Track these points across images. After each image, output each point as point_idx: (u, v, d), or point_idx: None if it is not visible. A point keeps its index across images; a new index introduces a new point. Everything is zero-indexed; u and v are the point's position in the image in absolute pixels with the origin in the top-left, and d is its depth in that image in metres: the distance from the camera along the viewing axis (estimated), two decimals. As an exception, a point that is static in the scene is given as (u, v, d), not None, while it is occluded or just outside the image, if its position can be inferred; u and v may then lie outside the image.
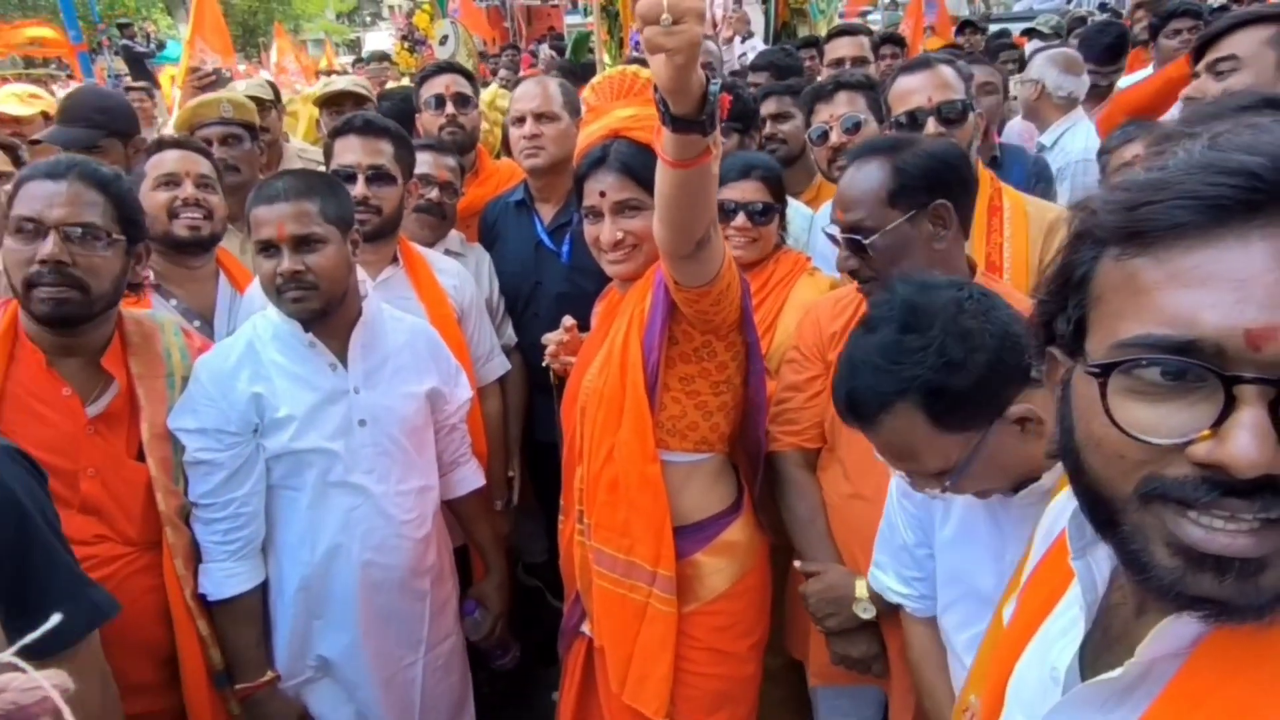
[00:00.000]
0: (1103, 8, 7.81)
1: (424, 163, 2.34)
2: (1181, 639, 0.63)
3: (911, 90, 2.08)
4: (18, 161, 2.53)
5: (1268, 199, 0.53)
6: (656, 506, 1.63)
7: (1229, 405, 0.53)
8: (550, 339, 1.96)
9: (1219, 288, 0.54)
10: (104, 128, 2.66)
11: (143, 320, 1.70)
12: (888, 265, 1.52)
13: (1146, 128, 2.11)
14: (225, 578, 1.67)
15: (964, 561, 1.29)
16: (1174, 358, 0.55)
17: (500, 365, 2.42)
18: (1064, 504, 0.92)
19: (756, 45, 5.39)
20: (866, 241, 1.52)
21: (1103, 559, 0.75)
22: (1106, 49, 3.89)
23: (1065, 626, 0.79)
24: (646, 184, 1.55)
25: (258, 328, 1.72)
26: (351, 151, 2.08)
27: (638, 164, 1.61)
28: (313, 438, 1.68)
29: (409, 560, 1.81)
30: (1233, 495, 0.53)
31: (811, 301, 2.03)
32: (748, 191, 2.03)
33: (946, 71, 2.07)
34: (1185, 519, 0.56)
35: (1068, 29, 5.79)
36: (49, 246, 1.47)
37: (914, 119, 2.03)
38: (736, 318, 1.58)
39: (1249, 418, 0.52)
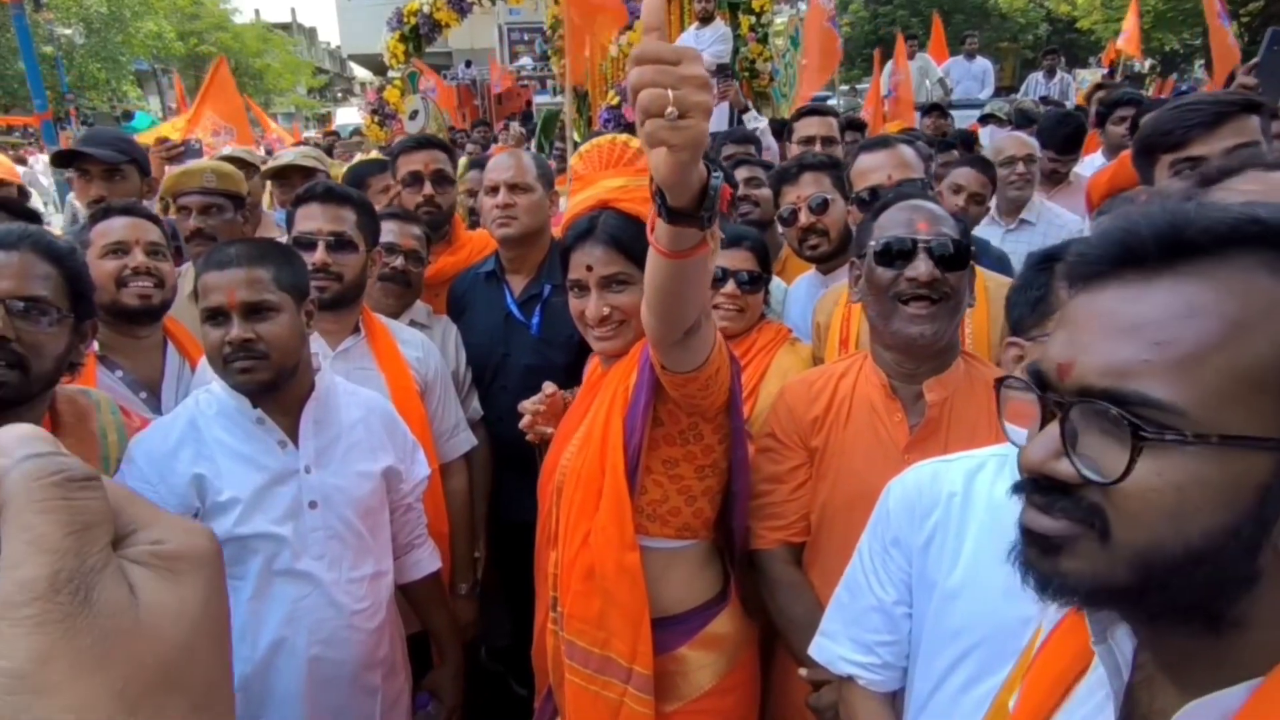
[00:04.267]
0: (1044, 100, 8.24)
1: (389, 231, 2.30)
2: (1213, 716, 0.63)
3: (873, 168, 2.12)
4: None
5: (1115, 261, 0.64)
6: (634, 598, 1.52)
7: (1044, 420, 0.66)
8: (527, 406, 1.86)
9: (1068, 328, 0.67)
10: (127, 154, 2.75)
11: (76, 398, 1.58)
12: (961, 294, 1.50)
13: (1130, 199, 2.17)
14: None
15: (975, 608, 1.19)
16: (1024, 380, 0.69)
17: (466, 440, 2.32)
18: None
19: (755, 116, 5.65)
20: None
21: (1124, 639, 0.73)
22: (1065, 139, 4.09)
23: (1090, 714, 0.75)
24: (635, 257, 1.50)
25: (201, 403, 1.61)
26: (313, 218, 2.03)
27: (627, 236, 1.56)
28: (259, 522, 1.56)
29: (360, 653, 1.67)
30: (1036, 490, 0.67)
31: (786, 371, 2.00)
32: (737, 260, 2.02)
33: (906, 151, 2.11)
34: (1025, 508, 0.68)
35: (1016, 119, 6.07)
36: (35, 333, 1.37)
37: (875, 195, 2.04)
38: (725, 400, 1.50)
39: (1047, 429, 0.65)
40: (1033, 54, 20.58)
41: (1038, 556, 0.66)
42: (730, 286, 2.01)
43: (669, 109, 0.91)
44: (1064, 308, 0.70)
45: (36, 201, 4.76)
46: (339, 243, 2.01)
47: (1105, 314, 0.63)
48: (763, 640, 1.79)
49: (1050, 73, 9.65)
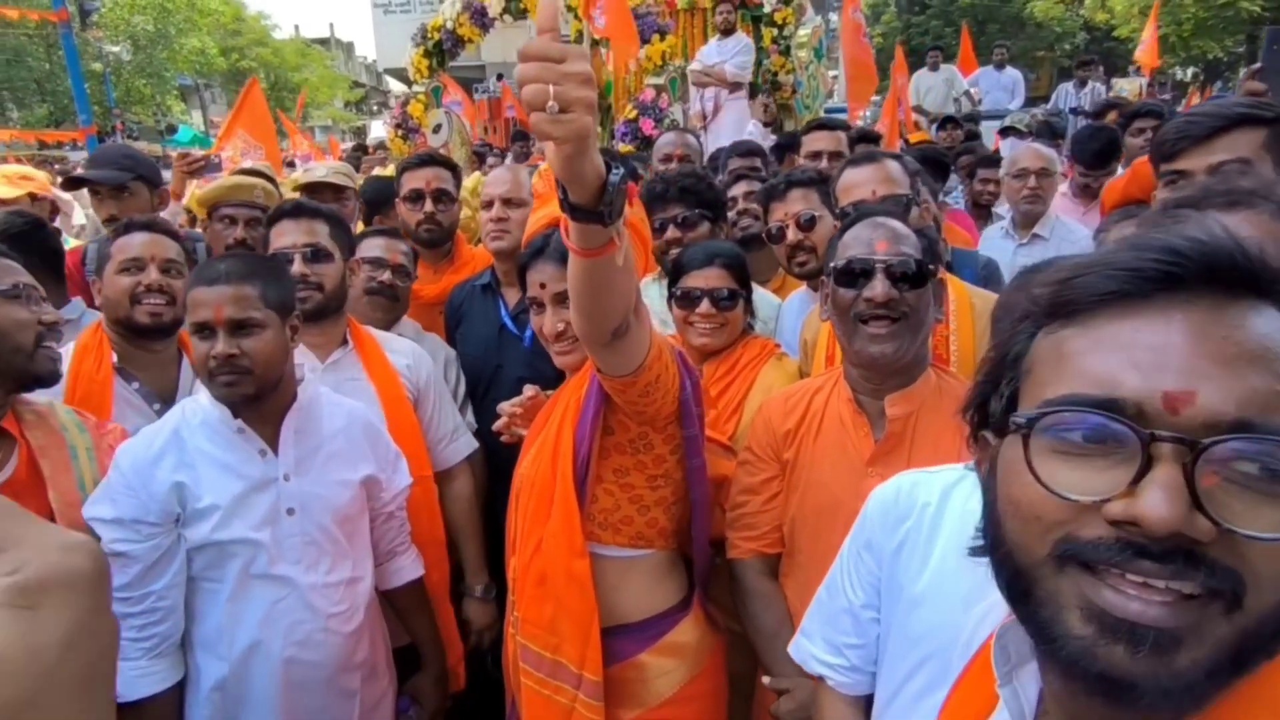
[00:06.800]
0: (1074, 112, 8.12)
1: (376, 246, 2.36)
2: None
3: (857, 183, 2.12)
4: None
5: (1186, 274, 0.56)
6: (584, 605, 1.55)
7: (1146, 466, 0.53)
8: (505, 407, 1.89)
9: (1140, 354, 0.56)
10: (133, 171, 2.86)
11: (33, 401, 1.67)
12: (922, 311, 1.50)
13: (1141, 211, 2.14)
14: (138, 677, 1.57)
15: (936, 617, 1.17)
16: (1097, 413, 0.55)
17: (467, 445, 2.36)
18: (981, 615, 0.87)
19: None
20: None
21: (1029, 682, 0.72)
22: (1095, 154, 4.00)
23: None
24: None
25: (186, 413, 1.68)
26: (287, 234, 2.09)
27: None
28: (237, 527, 1.62)
29: (336, 656, 1.72)
30: (1146, 557, 0.53)
31: (770, 386, 2.01)
32: (711, 279, 2.04)
33: (892, 166, 2.11)
34: (1100, 583, 0.55)
35: (1039, 132, 5.98)
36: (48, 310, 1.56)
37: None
38: (673, 410, 1.53)
39: (1164, 476, 0.53)
40: (1069, 63, 20.26)
41: (1142, 659, 0.53)
42: (705, 305, 2.02)
43: (550, 103, 0.95)
44: (1099, 328, 0.59)
45: (79, 214, 4.97)
46: (315, 253, 2.06)
47: (1204, 337, 0.55)
48: (749, 651, 1.79)
49: (1081, 83, 9.50)
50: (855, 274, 1.51)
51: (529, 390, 1.90)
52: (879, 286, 1.47)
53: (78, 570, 0.35)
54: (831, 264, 1.56)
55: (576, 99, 0.95)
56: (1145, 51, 9.46)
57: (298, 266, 2.01)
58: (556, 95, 0.94)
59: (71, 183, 3.19)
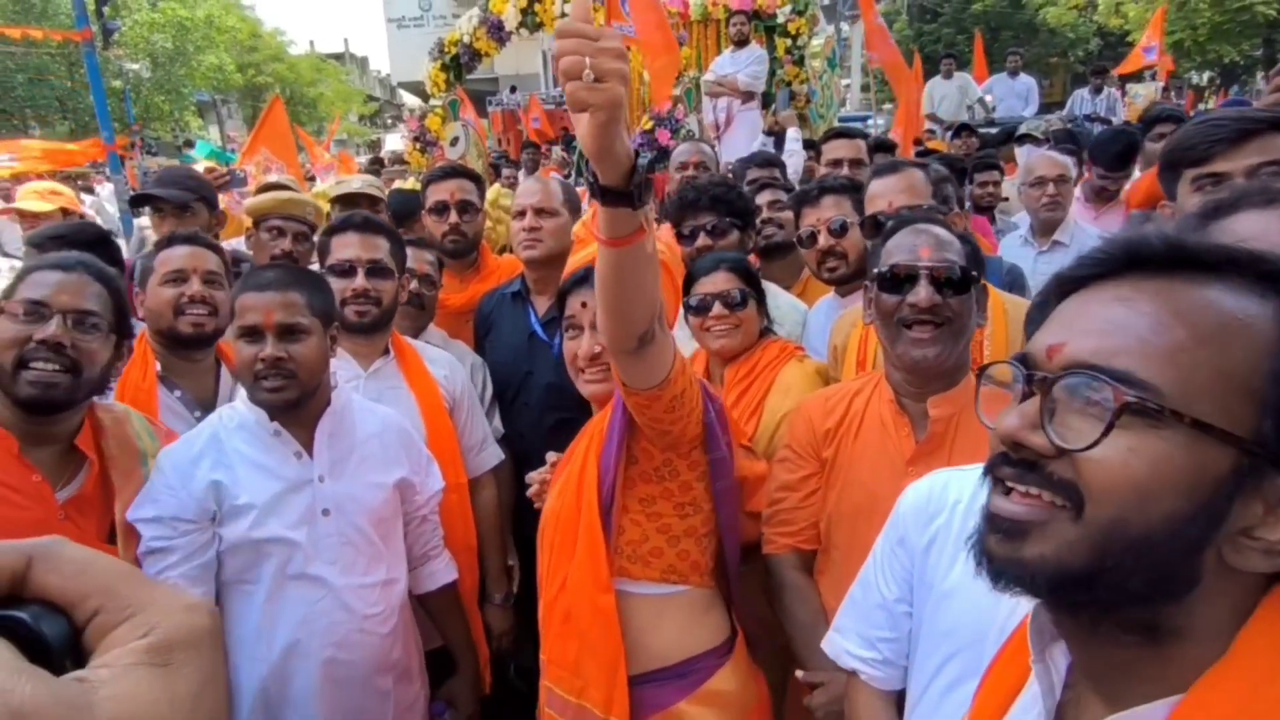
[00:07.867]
0: (1089, 118, 8.11)
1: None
2: None
3: (879, 193, 2.17)
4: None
5: (1111, 260, 0.69)
6: (609, 643, 1.48)
7: (1025, 399, 0.68)
8: (534, 477, 1.87)
9: (1059, 320, 0.70)
10: (195, 192, 2.99)
11: (111, 407, 1.71)
12: (965, 317, 1.52)
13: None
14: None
15: (966, 610, 1.19)
16: (1009, 362, 0.71)
17: (494, 455, 2.39)
18: (1016, 602, 0.88)
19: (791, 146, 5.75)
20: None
21: (1060, 657, 0.75)
22: (1115, 157, 3.99)
23: None
24: None
25: (223, 417, 1.72)
26: (351, 247, 2.12)
27: None
28: (273, 526, 1.65)
29: (372, 656, 1.74)
30: (1006, 464, 0.69)
31: (789, 386, 2.02)
32: (719, 283, 2.07)
33: (915, 176, 2.13)
34: (996, 492, 0.70)
35: (1057, 136, 5.96)
36: (51, 328, 1.51)
37: (875, 221, 2.10)
38: (698, 433, 1.50)
39: (1026, 404, 0.67)
40: (1083, 69, 20.18)
41: (999, 542, 0.68)
42: (718, 308, 2.04)
43: (586, 72, 0.99)
44: (1056, 309, 0.72)
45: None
46: (376, 269, 2.10)
47: (1102, 306, 0.67)
48: (778, 662, 1.80)
49: (1096, 90, 9.48)
50: (900, 279, 1.52)
51: (551, 458, 1.87)
52: (923, 292, 1.49)
53: (200, 628, 0.38)
54: (876, 269, 1.57)
55: (610, 70, 1.00)
56: (1129, 63, 9.49)
57: (360, 281, 2.05)
58: (593, 66, 0.99)
59: (138, 200, 3.30)
